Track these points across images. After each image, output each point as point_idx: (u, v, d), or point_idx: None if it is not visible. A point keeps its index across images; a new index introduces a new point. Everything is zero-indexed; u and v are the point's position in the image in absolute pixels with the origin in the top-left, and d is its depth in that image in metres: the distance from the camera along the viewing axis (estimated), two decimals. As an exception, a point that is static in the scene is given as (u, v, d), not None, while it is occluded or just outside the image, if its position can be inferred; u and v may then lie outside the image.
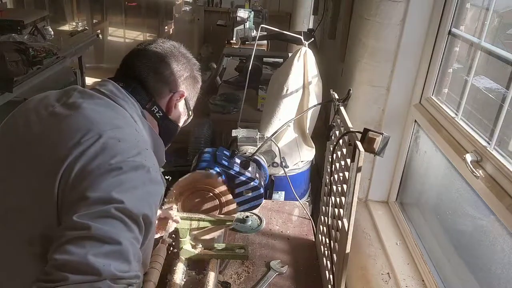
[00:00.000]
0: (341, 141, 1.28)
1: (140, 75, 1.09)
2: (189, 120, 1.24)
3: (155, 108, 1.10)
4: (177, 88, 1.13)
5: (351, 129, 1.18)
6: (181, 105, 1.16)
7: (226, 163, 1.61)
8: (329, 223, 1.40)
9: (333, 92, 1.47)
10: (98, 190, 0.82)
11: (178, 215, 1.39)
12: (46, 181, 0.85)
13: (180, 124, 1.21)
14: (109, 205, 0.80)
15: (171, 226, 1.37)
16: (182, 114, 1.19)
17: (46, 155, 0.89)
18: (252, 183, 1.61)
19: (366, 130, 1.12)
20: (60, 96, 1.02)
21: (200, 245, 1.46)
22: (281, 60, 3.64)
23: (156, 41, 1.15)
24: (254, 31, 4.26)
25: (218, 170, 1.59)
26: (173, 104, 1.13)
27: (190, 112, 1.21)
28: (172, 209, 1.41)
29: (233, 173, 1.60)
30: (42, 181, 0.86)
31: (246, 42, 3.93)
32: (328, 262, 1.37)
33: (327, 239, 1.42)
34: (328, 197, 1.41)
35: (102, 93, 1.02)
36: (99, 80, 1.09)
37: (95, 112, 0.95)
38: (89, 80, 4.93)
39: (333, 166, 1.38)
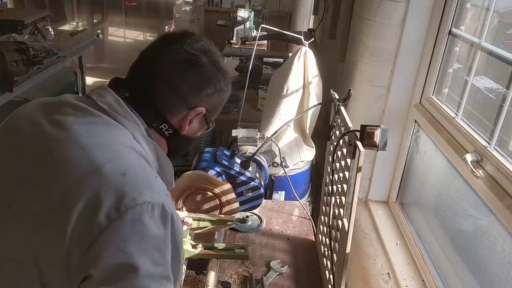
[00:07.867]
0: (341, 141, 1.28)
1: (151, 86, 0.90)
2: (208, 130, 1.06)
3: (164, 126, 0.92)
4: (196, 104, 0.94)
5: (351, 129, 1.18)
6: (197, 120, 0.98)
7: (226, 163, 1.61)
8: (329, 223, 1.40)
9: (333, 92, 1.47)
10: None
11: (187, 216, 1.37)
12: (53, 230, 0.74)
13: (196, 136, 1.03)
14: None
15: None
16: (199, 128, 1.01)
17: (41, 197, 0.76)
18: (252, 183, 1.61)
19: (363, 126, 1.12)
20: (48, 109, 0.86)
21: (200, 245, 1.46)
22: (281, 60, 3.63)
23: (183, 39, 0.92)
24: (254, 31, 4.26)
25: (218, 170, 1.58)
26: (187, 121, 0.95)
27: (211, 123, 1.03)
28: (182, 211, 1.40)
29: (233, 173, 1.59)
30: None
31: (246, 42, 3.92)
32: (328, 262, 1.37)
33: (327, 239, 1.42)
34: (328, 197, 1.42)
35: (99, 107, 0.85)
36: (98, 86, 0.92)
37: (89, 137, 0.80)
38: (89, 80, 4.92)
39: (333, 166, 1.38)
